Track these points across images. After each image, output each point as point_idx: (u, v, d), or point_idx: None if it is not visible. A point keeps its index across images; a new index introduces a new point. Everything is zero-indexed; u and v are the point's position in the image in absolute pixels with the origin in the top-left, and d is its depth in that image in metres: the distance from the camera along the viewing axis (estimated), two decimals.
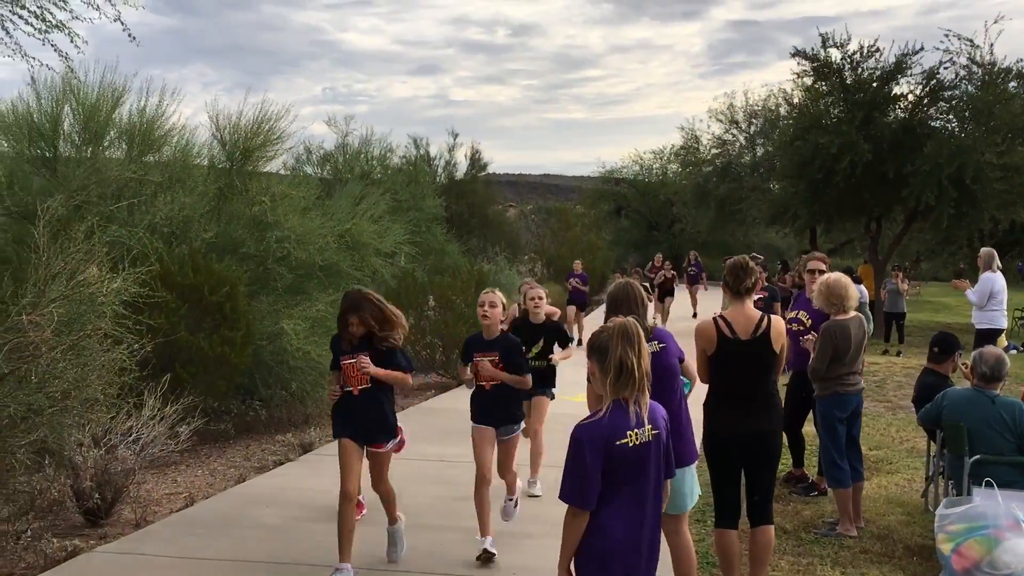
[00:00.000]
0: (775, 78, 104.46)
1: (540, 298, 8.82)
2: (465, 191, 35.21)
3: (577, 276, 21.97)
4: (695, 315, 26.63)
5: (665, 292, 24.40)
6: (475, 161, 38.19)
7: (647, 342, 5.00)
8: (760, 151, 38.20)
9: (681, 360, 5.34)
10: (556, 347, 8.81)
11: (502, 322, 7.23)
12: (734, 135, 41.03)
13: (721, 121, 41.20)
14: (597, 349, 4.01)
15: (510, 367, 6.96)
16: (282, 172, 16.57)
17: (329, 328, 12.20)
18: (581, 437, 3.93)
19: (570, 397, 13.78)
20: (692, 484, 5.28)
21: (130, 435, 8.05)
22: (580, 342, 19.20)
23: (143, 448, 8.09)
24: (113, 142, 12.49)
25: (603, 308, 5.65)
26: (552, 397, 8.93)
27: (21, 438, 6.68)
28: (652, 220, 57.45)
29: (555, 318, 9.31)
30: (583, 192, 64.03)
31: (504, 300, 7.21)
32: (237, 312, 10.84)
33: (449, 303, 16.06)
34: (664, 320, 22.47)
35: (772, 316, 5.78)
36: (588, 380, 4.21)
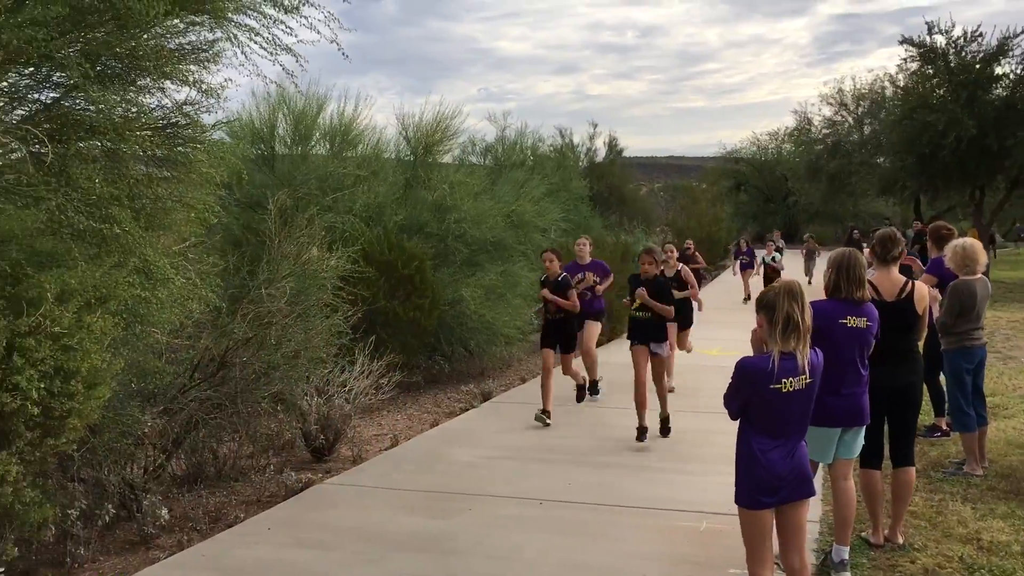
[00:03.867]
0: (877, 63, 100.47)
1: None
2: (604, 173, 34.90)
3: (586, 267, 10.33)
4: (748, 299, 21.74)
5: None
6: (612, 147, 37.93)
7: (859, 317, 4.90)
8: (867, 130, 36.84)
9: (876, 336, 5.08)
10: None
11: None
12: (843, 116, 39.76)
13: (831, 104, 40.12)
14: (766, 305, 3.96)
15: None
16: (454, 163, 16.76)
17: (500, 295, 12.43)
18: (738, 368, 3.98)
19: (705, 351, 13.61)
20: (862, 436, 5.12)
21: (345, 387, 8.28)
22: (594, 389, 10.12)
23: (355, 397, 8.32)
24: (318, 142, 12.83)
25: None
26: None
27: (263, 391, 6.95)
28: (768, 194, 56.27)
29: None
30: (705, 170, 63.06)
31: None
32: (425, 282, 11.02)
33: None
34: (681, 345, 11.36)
35: (916, 281, 5.53)
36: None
